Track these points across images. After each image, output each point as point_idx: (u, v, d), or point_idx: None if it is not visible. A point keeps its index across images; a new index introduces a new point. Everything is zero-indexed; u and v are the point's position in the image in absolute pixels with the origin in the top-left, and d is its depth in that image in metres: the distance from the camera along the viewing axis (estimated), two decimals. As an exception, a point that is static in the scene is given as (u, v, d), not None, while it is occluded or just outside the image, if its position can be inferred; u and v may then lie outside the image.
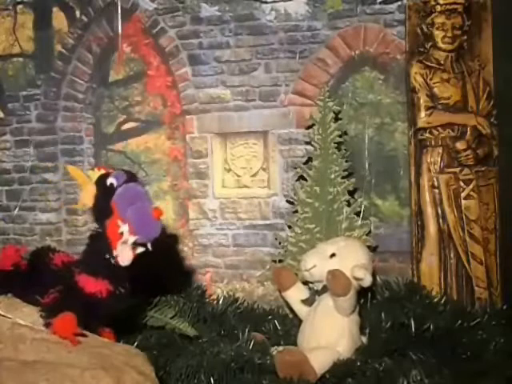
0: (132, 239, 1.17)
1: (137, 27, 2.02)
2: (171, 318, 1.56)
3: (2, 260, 1.28)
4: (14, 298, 1.22)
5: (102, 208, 1.22)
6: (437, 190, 1.78)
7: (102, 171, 1.27)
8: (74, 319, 1.12)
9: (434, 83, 1.79)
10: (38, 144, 2.08)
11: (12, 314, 1.15)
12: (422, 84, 1.79)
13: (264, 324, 1.66)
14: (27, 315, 1.16)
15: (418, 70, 1.79)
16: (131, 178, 1.26)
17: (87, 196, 1.26)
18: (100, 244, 1.21)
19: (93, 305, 1.17)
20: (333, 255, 1.54)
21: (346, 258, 1.53)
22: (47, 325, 1.13)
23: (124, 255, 1.18)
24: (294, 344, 1.54)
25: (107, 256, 1.20)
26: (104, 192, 1.23)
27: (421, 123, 1.79)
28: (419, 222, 1.78)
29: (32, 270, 1.28)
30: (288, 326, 1.64)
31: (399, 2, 1.86)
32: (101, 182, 1.25)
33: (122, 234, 1.17)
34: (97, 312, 1.18)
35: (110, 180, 1.23)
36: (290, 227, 1.83)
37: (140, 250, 1.19)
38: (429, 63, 1.80)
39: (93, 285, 1.18)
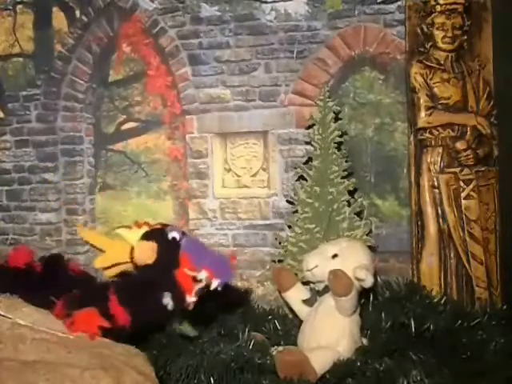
0: (215, 283, 1.28)
1: (137, 27, 2.02)
2: (171, 318, 1.56)
3: (13, 258, 1.31)
4: (14, 298, 1.22)
5: (169, 260, 1.29)
6: (437, 190, 1.78)
7: (145, 227, 1.34)
8: (98, 315, 1.16)
9: (434, 83, 1.79)
10: (37, 144, 2.08)
11: (12, 314, 1.15)
12: (422, 84, 1.79)
13: (264, 324, 1.66)
14: (27, 315, 1.16)
15: (418, 70, 1.79)
16: (183, 232, 1.37)
17: (141, 255, 1.31)
18: (151, 286, 1.26)
19: (116, 327, 1.21)
20: (335, 256, 1.54)
21: (347, 258, 1.53)
22: (68, 315, 1.15)
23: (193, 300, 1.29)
24: (294, 344, 1.54)
25: (165, 302, 1.26)
26: (168, 246, 1.31)
27: (421, 123, 1.79)
28: (419, 222, 1.78)
29: (47, 272, 1.31)
30: (288, 326, 1.64)
31: (399, 2, 1.86)
32: (162, 237, 1.32)
33: (199, 280, 1.27)
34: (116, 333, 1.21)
35: (172, 234, 1.32)
36: (289, 227, 1.83)
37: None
38: (429, 63, 1.79)
39: (121, 314, 1.21)
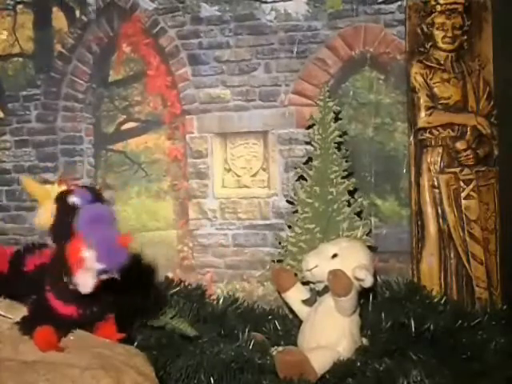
0: (97, 267, 1.05)
1: (137, 27, 2.02)
2: (171, 318, 1.56)
3: None
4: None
5: (62, 229, 1.11)
6: (437, 190, 1.78)
7: (64, 187, 1.15)
8: (52, 331, 1.08)
9: (434, 83, 1.79)
10: (37, 144, 2.08)
11: (12, 314, 1.15)
12: (422, 84, 1.79)
13: (264, 324, 1.66)
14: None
15: (418, 70, 1.79)
16: (96, 197, 1.13)
17: (46, 214, 1.15)
18: (59, 267, 1.10)
19: (67, 323, 1.12)
20: (334, 256, 1.54)
21: (347, 258, 1.53)
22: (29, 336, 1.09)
23: (85, 282, 1.06)
24: (294, 344, 1.54)
25: (65, 280, 1.08)
26: (65, 211, 1.11)
27: (421, 123, 1.79)
28: (419, 222, 1.78)
29: (11, 274, 1.21)
30: (288, 326, 1.64)
31: (399, 2, 1.86)
32: (62, 199, 1.12)
33: (84, 259, 1.05)
34: (72, 329, 1.14)
35: (73, 199, 1.11)
36: (290, 227, 1.83)
37: (104, 277, 1.07)
38: (429, 63, 1.79)
39: (63, 308, 1.11)
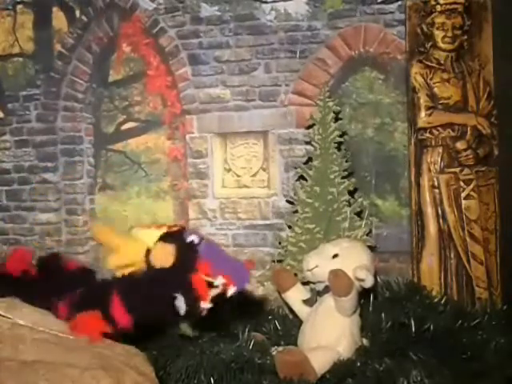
0: (232, 290, 1.27)
1: (137, 27, 2.02)
2: (171, 318, 1.56)
3: (11, 263, 1.28)
4: (15, 299, 1.22)
5: (186, 264, 1.26)
6: (437, 190, 1.77)
7: (164, 229, 1.31)
8: (100, 319, 1.14)
9: (434, 83, 1.78)
10: (37, 144, 2.08)
11: (12, 314, 1.15)
12: (422, 84, 1.79)
13: (264, 324, 1.66)
14: (27, 315, 1.15)
15: (419, 70, 1.79)
16: (202, 235, 1.34)
17: (158, 254, 1.28)
18: (164, 287, 1.23)
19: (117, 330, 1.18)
20: (335, 256, 1.54)
21: (348, 258, 1.53)
22: (71, 317, 1.15)
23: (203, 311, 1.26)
24: (294, 344, 1.54)
25: (178, 305, 1.22)
26: (186, 249, 1.28)
27: (421, 123, 1.79)
28: (419, 222, 1.78)
29: (43, 275, 1.28)
30: (288, 326, 1.64)
31: (399, 2, 1.86)
32: (179, 240, 1.29)
33: (215, 287, 1.24)
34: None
35: (191, 238, 1.30)
36: (290, 227, 1.83)
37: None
38: (429, 63, 1.79)
39: (122, 315, 1.18)
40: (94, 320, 1.14)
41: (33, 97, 2.08)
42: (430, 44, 1.79)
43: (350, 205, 1.78)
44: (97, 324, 1.14)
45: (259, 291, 1.92)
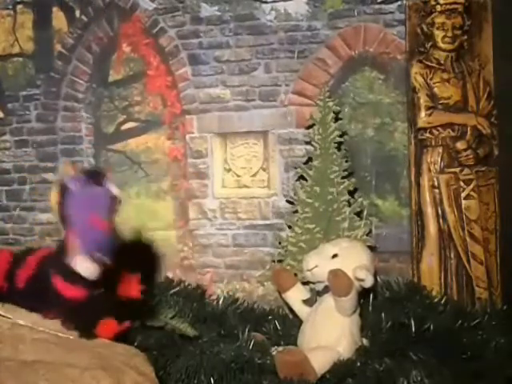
0: (84, 255, 1.11)
1: (137, 27, 2.02)
2: (171, 318, 1.56)
3: None
4: None
5: (62, 215, 1.14)
6: (437, 190, 1.77)
7: (71, 170, 1.20)
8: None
9: (435, 83, 1.78)
10: (38, 144, 2.08)
11: (12, 314, 1.15)
12: (422, 84, 1.78)
13: (264, 324, 1.66)
14: (27, 315, 1.15)
15: (419, 70, 1.79)
16: (92, 179, 1.14)
17: (53, 199, 1.16)
18: (64, 252, 1.13)
19: (74, 306, 1.13)
20: (335, 256, 1.54)
21: (347, 258, 1.53)
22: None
23: (85, 269, 1.11)
24: (294, 344, 1.54)
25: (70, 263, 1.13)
26: (64, 198, 1.13)
27: (421, 123, 1.79)
28: (419, 222, 1.78)
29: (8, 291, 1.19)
30: (288, 326, 1.64)
31: (399, 2, 1.86)
32: (61, 185, 1.13)
33: (77, 245, 1.11)
34: (81, 315, 1.14)
35: (67, 184, 1.13)
36: (290, 227, 1.83)
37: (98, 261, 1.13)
38: (429, 63, 1.79)
39: (70, 289, 1.12)
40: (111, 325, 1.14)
41: (33, 97, 2.08)
42: (429, 44, 1.79)
43: (349, 205, 1.78)
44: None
45: (259, 291, 1.92)
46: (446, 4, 1.78)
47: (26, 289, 1.16)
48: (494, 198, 1.77)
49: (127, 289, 1.20)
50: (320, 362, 1.40)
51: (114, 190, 1.14)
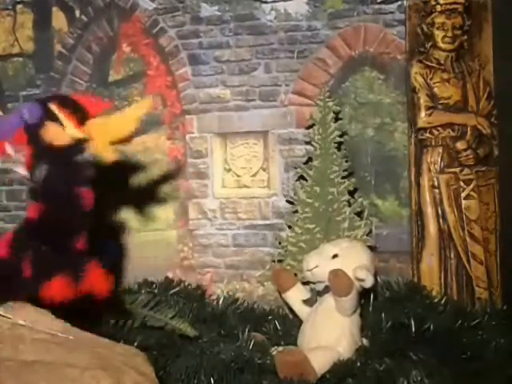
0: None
1: (137, 27, 2.02)
2: (171, 318, 1.56)
3: None
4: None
5: None
6: (437, 190, 1.78)
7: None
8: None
9: (435, 83, 1.79)
10: (37, 144, 2.08)
11: (12, 314, 1.15)
12: (422, 84, 1.79)
13: (264, 324, 1.66)
14: (27, 315, 1.16)
15: (419, 70, 1.79)
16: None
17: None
18: None
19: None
20: (335, 256, 1.54)
21: (348, 258, 1.53)
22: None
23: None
24: (294, 344, 1.54)
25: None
26: None
27: (421, 123, 1.79)
28: (419, 222, 1.78)
29: None
30: (288, 326, 1.64)
31: (399, 2, 1.86)
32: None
33: None
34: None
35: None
36: (290, 227, 1.83)
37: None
38: (429, 63, 1.79)
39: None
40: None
41: (33, 97, 2.08)
42: (429, 44, 1.79)
43: (349, 205, 1.78)
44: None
45: (259, 291, 1.92)
46: (446, 4, 1.78)
47: None
48: (494, 198, 1.77)
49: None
50: (320, 362, 1.40)
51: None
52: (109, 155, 1.13)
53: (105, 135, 1.14)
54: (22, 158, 1.15)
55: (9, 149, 1.13)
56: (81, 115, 1.14)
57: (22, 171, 1.16)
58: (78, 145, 1.12)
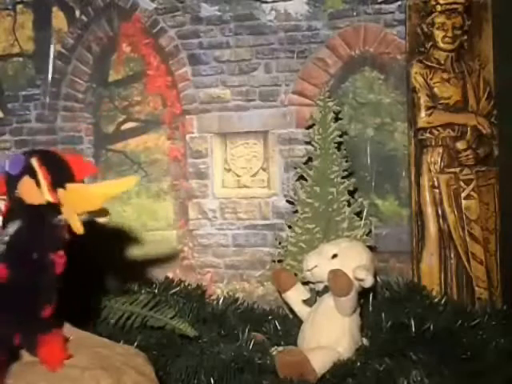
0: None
1: (137, 27, 2.02)
2: (171, 318, 1.56)
3: None
4: None
5: None
6: (437, 190, 1.78)
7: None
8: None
9: (435, 83, 1.79)
10: (38, 144, 2.08)
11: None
12: (423, 84, 1.79)
13: (264, 324, 1.66)
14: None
15: (419, 70, 1.79)
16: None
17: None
18: None
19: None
20: (334, 256, 1.54)
21: (347, 258, 1.53)
22: None
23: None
24: (294, 344, 1.54)
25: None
26: None
27: (421, 123, 1.79)
28: (419, 222, 1.78)
29: None
30: (288, 326, 1.64)
31: (399, 2, 1.86)
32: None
33: None
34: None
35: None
36: (290, 227, 1.83)
37: None
38: (429, 63, 1.80)
39: None
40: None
41: (33, 97, 2.08)
42: (430, 44, 1.80)
43: (349, 205, 1.78)
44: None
45: (259, 291, 1.92)
46: (446, 4, 1.78)
47: None
48: (494, 198, 1.77)
49: None
50: (320, 362, 1.40)
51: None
52: (76, 226, 1.06)
53: (74, 204, 1.08)
54: (1, 206, 1.11)
55: None
56: (63, 176, 1.09)
57: None
58: (52, 207, 1.07)
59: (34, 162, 1.06)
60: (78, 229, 1.06)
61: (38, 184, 1.05)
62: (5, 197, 1.10)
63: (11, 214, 1.08)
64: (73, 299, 1.13)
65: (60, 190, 1.07)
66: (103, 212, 1.12)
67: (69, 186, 1.08)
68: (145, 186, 2.04)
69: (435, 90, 1.79)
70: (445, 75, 1.79)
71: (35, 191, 1.05)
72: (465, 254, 1.75)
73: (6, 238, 1.06)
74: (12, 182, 1.07)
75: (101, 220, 1.13)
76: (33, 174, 1.06)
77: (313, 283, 1.60)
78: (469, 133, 1.77)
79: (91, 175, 1.22)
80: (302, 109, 1.92)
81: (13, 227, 1.07)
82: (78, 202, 1.08)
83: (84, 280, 1.39)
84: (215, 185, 1.98)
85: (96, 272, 1.65)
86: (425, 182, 1.79)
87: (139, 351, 1.17)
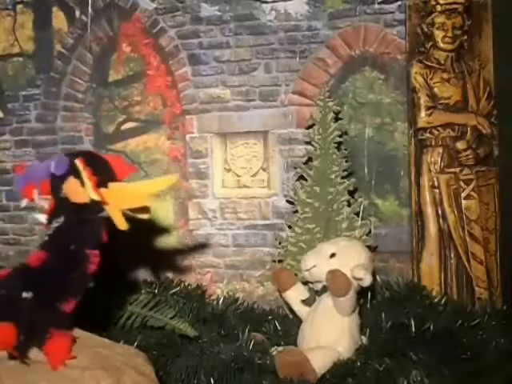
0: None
1: (136, 27, 2.02)
2: (171, 318, 1.56)
3: None
4: None
5: None
6: (437, 190, 1.78)
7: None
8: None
9: (435, 83, 1.79)
10: (37, 144, 2.08)
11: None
12: (423, 84, 1.79)
13: (264, 324, 1.66)
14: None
15: (419, 70, 1.79)
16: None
17: None
18: None
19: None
20: (333, 255, 1.54)
21: (346, 258, 1.53)
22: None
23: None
24: (294, 344, 1.54)
25: None
26: None
27: (421, 123, 1.79)
28: (419, 222, 1.78)
29: None
30: (288, 326, 1.64)
31: (399, 2, 1.86)
32: None
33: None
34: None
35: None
36: (290, 227, 1.83)
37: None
38: (429, 63, 1.80)
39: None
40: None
41: (33, 97, 2.08)
42: (430, 44, 1.80)
43: (349, 205, 1.78)
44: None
45: (259, 291, 1.92)
46: (446, 4, 1.78)
47: None
48: (494, 198, 1.77)
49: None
50: (320, 362, 1.40)
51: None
52: (120, 222, 1.13)
53: (118, 202, 1.16)
54: (46, 206, 1.17)
55: (36, 196, 1.15)
56: (106, 177, 1.16)
57: (42, 219, 1.17)
58: (96, 206, 1.13)
59: (79, 163, 1.12)
60: (122, 224, 1.12)
61: (82, 184, 1.11)
62: (49, 196, 1.16)
63: (56, 213, 1.16)
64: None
65: (103, 189, 1.14)
66: (145, 209, 1.22)
67: (111, 184, 1.17)
68: (145, 185, 2.04)
69: (435, 89, 1.79)
70: (445, 75, 1.79)
71: (80, 190, 1.12)
72: (465, 253, 1.75)
73: (49, 232, 1.15)
74: (57, 182, 1.13)
75: (142, 217, 1.22)
76: (77, 175, 1.12)
77: (311, 283, 1.60)
78: (469, 133, 1.77)
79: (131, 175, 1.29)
80: (302, 109, 1.92)
81: (57, 223, 1.16)
82: (121, 200, 1.17)
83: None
84: (215, 185, 1.98)
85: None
86: (425, 182, 1.79)
87: (139, 351, 1.17)
